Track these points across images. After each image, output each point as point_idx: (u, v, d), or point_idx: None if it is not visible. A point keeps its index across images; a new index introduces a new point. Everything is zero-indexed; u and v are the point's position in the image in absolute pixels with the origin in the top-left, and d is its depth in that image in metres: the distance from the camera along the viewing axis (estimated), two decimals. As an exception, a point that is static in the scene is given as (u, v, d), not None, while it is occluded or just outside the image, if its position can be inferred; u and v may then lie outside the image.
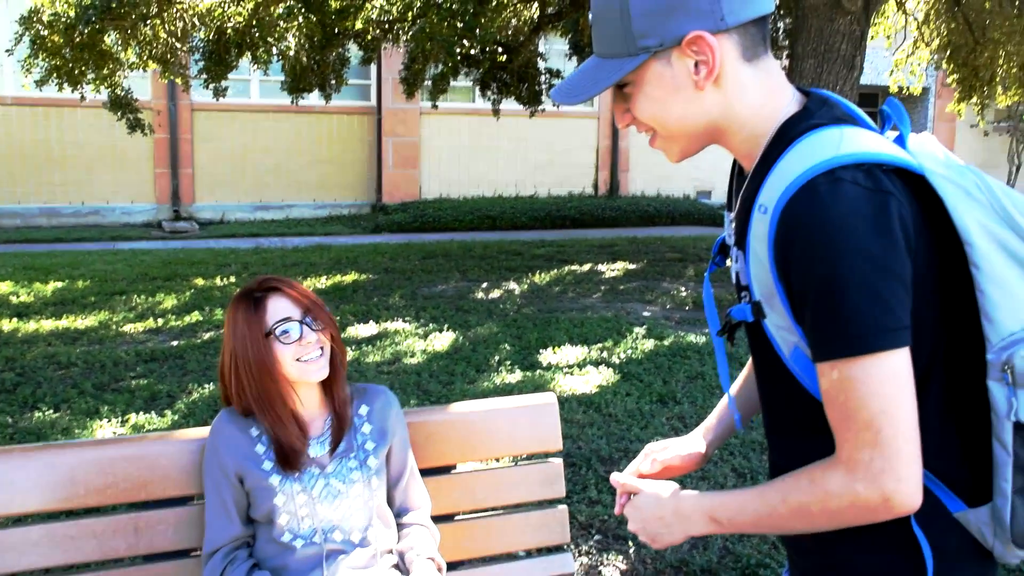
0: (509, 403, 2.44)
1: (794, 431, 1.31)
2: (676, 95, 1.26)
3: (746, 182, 1.29)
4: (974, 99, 11.79)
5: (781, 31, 11.34)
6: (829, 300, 1.12)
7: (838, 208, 1.11)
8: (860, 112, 1.30)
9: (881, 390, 1.12)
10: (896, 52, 13.00)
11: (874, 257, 1.11)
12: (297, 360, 1.95)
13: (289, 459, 1.95)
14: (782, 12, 11.02)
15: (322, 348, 1.98)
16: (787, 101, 1.27)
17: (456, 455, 2.34)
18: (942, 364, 1.21)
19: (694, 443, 1.68)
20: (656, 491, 1.41)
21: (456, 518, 2.32)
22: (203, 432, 2.08)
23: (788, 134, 1.22)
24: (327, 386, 2.05)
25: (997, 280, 1.15)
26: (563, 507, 2.42)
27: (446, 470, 2.33)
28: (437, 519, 2.22)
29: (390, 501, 2.11)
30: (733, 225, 1.34)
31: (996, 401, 1.16)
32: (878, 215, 1.12)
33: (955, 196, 1.16)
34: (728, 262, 1.44)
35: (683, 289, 9.15)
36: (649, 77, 1.26)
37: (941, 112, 18.79)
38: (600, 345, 6.62)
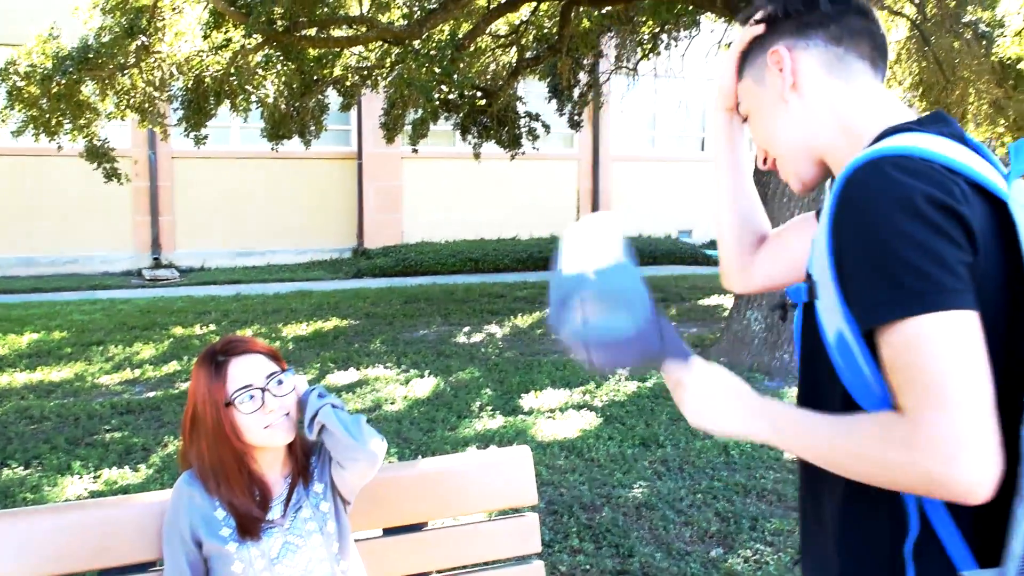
0: (482, 457, 2.40)
1: None
2: (771, 111, 1.35)
3: None
4: (947, 137, 11.92)
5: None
6: (885, 261, 1.08)
7: (900, 178, 1.09)
8: (983, 146, 1.27)
9: (951, 351, 1.04)
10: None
11: (934, 223, 1.07)
12: (264, 428, 1.90)
13: (247, 528, 1.89)
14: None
15: (287, 412, 1.94)
16: (893, 119, 1.26)
17: (428, 512, 2.29)
18: None
19: None
20: (728, 373, 1.30)
21: (427, 577, 2.26)
22: (164, 495, 2.02)
23: (888, 133, 1.23)
24: (290, 445, 2.00)
25: None
26: (539, 562, 2.37)
27: (418, 527, 2.28)
28: (409, 579, 2.16)
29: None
30: None
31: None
32: (943, 193, 1.08)
33: None
34: None
35: (665, 330, 9.13)
36: (753, 101, 1.39)
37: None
38: (582, 388, 6.58)
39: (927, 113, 1.25)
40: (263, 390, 1.90)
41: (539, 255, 15.33)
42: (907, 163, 1.11)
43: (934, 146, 1.15)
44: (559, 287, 1.31)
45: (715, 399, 1.27)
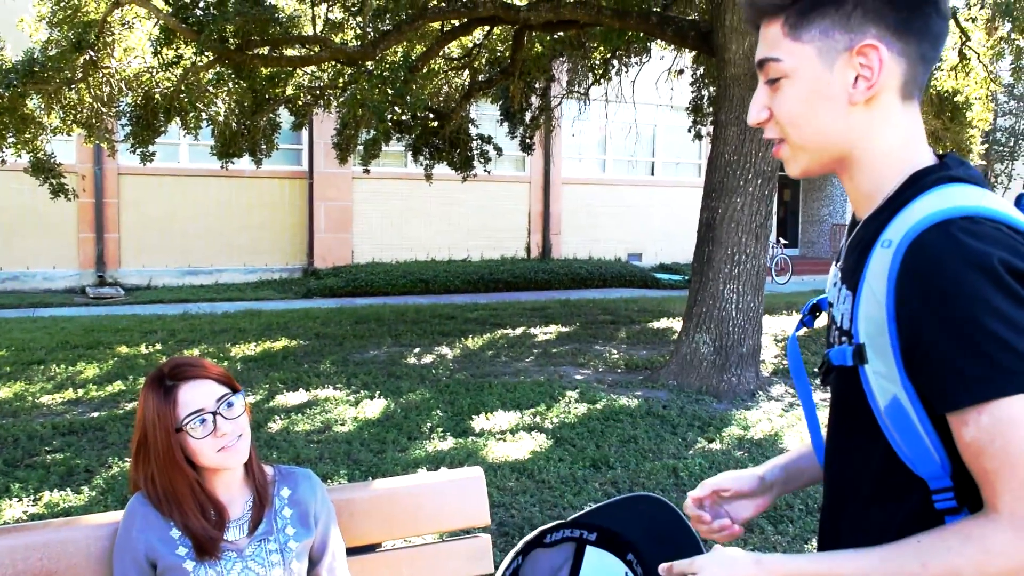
0: (435, 478, 2.40)
1: (868, 496, 1.19)
2: (825, 102, 1.19)
3: (863, 221, 1.22)
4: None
5: (705, 99, 11.68)
6: (974, 337, 1.01)
7: (978, 245, 1.03)
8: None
9: None
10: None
11: (1018, 294, 1.02)
12: (218, 451, 1.89)
13: (205, 548, 1.87)
14: (706, 81, 11.38)
15: (240, 434, 1.92)
16: (923, 154, 1.20)
17: (381, 533, 2.28)
18: None
19: (747, 472, 1.53)
20: (730, 553, 1.18)
21: (382, 598, 2.25)
22: (112, 517, 1.99)
23: (923, 180, 1.15)
24: (247, 466, 1.99)
25: None
26: (491, 583, 2.38)
27: (371, 548, 2.27)
28: (361, 600, 2.15)
29: None
30: (840, 272, 1.25)
31: None
32: (1018, 259, 1.03)
33: None
34: (818, 321, 1.38)
35: (615, 352, 9.21)
36: (807, 74, 1.19)
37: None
38: (533, 410, 6.59)
39: (950, 156, 1.20)
40: (215, 414, 1.89)
41: (490, 277, 15.37)
42: (977, 228, 1.05)
43: (992, 203, 1.09)
44: None
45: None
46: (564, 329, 10.74)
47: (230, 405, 1.91)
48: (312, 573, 2.03)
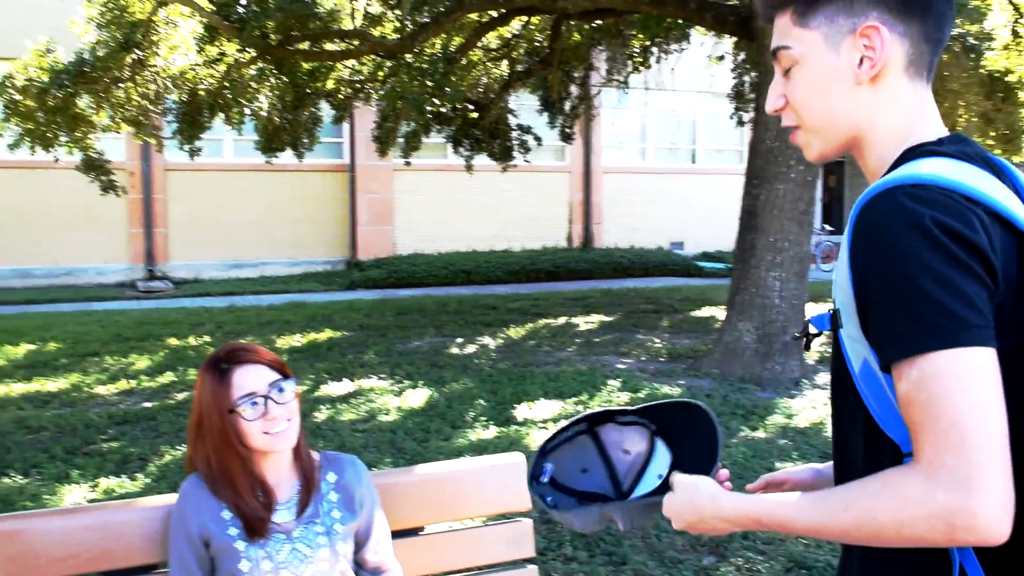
0: (477, 463, 2.45)
1: (859, 462, 1.21)
2: (833, 85, 1.24)
3: None
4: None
5: (747, 85, 11.58)
6: (904, 294, 1.05)
7: (918, 207, 1.06)
8: (1009, 165, 1.25)
9: (970, 387, 1.01)
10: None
11: (954, 255, 1.04)
12: (264, 433, 1.96)
13: (254, 528, 1.94)
14: (747, 66, 11.28)
15: (289, 419, 1.99)
16: (927, 131, 1.23)
17: (425, 516, 2.33)
18: None
19: (804, 465, 1.57)
20: (691, 490, 1.30)
21: (426, 580, 2.31)
22: (167, 499, 2.07)
23: (910, 154, 1.19)
24: (296, 451, 2.06)
25: None
26: (533, 567, 2.42)
27: (414, 532, 2.32)
28: (406, 582, 2.21)
29: (361, 564, 2.10)
30: None
31: None
32: (962, 223, 1.06)
33: None
34: None
35: (658, 341, 9.20)
36: (816, 58, 1.24)
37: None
38: (575, 399, 6.63)
39: (948, 134, 1.23)
40: (266, 397, 1.96)
41: (531, 267, 15.41)
42: (921, 192, 1.08)
43: (953, 173, 1.11)
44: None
45: (694, 509, 1.29)
46: (606, 318, 10.75)
47: (281, 390, 1.98)
48: (358, 555, 2.10)
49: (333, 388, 7.02)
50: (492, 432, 5.78)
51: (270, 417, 1.95)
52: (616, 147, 18.31)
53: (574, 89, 11.65)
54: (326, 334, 9.48)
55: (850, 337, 1.16)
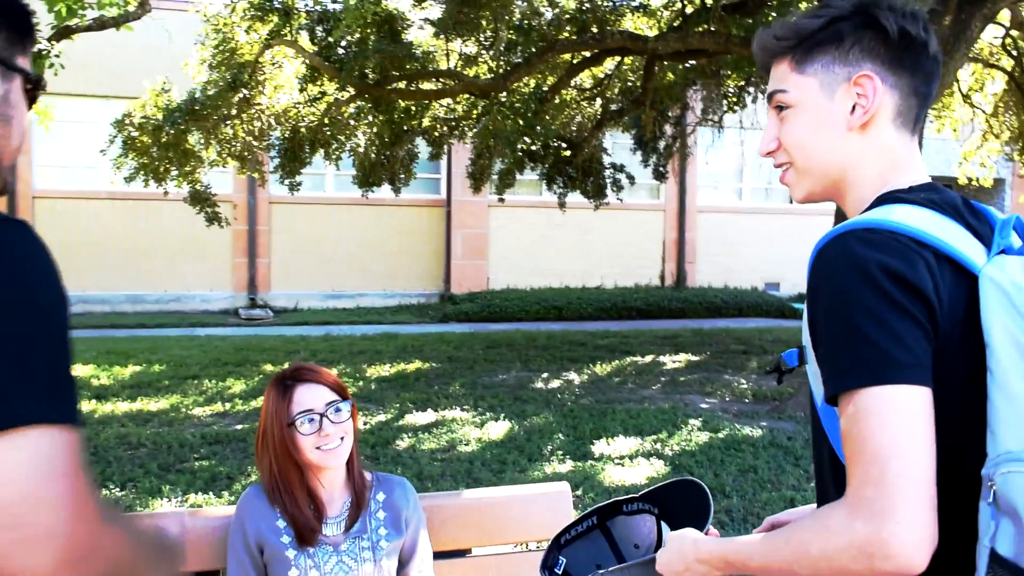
0: (523, 490, 2.54)
1: (828, 487, 1.26)
2: (825, 128, 1.31)
3: None
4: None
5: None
6: (844, 333, 1.11)
7: (865, 251, 1.12)
8: (990, 210, 1.29)
9: (892, 423, 1.06)
10: (964, 144, 12.92)
11: (893, 298, 1.09)
12: (317, 448, 2.09)
13: (304, 536, 2.08)
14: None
15: (343, 437, 2.12)
16: (904, 180, 1.28)
17: (471, 539, 2.42)
18: (950, 468, 1.13)
19: (809, 507, 1.60)
20: (679, 540, 1.39)
21: (471, 602, 2.39)
22: (229, 510, 2.22)
23: (879, 202, 1.25)
24: (349, 470, 2.18)
25: (1008, 393, 1.09)
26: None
27: (461, 553, 2.41)
28: (451, 602, 2.29)
29: None
30: None
31: (981, 522, 1.09)
32: (904, 265, 1.11)
33: (994, 298, 1.12)
34: None
35: (744, 382, 9.08)
36: (811, 103, 1.31)
37: (1017, 204, 18.45)
38: (654, 436, 6.61)
39: (921, 183, 1.28)
40: (322, 416, 2.09)
41: (623, 304, 15.38)
42: (871, 236, 1.14)
43: (907, 218, 1.17)
44: None
45: (681, 556, 1.37)
46: (694, 358, 10.66)
47: (337, 410, 2.12)
48: (401, 572, 2.20)
49: (417, 417, 7.18)
50: (568, 466, 5.82)
51: (324, 434, 2.09)
52: (711, 187, 18.19)
53: (668, 128, 11.68)
54: (415, 365, 9.69)
55: (813, 373, 1.22)
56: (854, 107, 1.29)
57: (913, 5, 1.30)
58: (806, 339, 1.24)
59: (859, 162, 1.31)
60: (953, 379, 1.13)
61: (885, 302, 1.09)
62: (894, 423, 1.06)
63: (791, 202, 18.81)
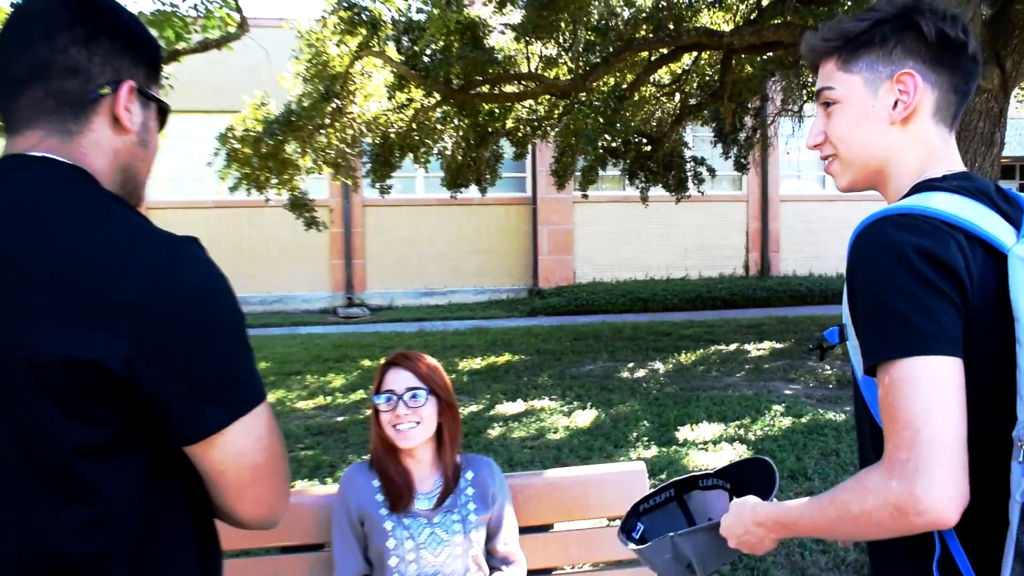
0: (601, 470, 2.77)
1: (869, 453, 1.36)
2: (870, 122, 1.40)
3: None
4: None
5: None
6: (879, 311, 1.20)
7: (900, 235, 1.22)
8: (1019, 196, 1.38)
9: (923, 392, 1.15)
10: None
11: (925, 277, 1.19)
12: (393, 427, 2.37)
13: (395, 503, 2.35)
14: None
15: (418, 421, 2.37)
16: (940, 170, 1.38)
17: (554, 515, 2.64)
18: (983, 433, 1.22)
19: None
20: (739, 506, 1.51)
21: (553, 573, 2.63)
22: (332, 488, 2.52)
23: (915, 190, 1.35)
24: (439, 452, 2.47)
25: None
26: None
27: (545, 528, 2.66)
28: (536, 573, 2.54)
29: (492, 553, 2.48)
30: None
31: (1013, 479, 1.18)
32: (935, 246, 1.21)
33: (1022, 275, 1.22)
34: None
35: (828, 368, 9.13)
36: (855, 99, 1.41)
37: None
38: (737, 423, 6.77)
39: (955, 172, 1.38)
40: (399, 398, 2.37)
41: (707, 295, 15.43)
42: (904, 220, 1.24)
43: (940, 203, 1.26)
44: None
45: (740, 520, 1.51)
46: (778, 345, 10.72)
47: (414, 396, 2.36)
48: (489, 545, 2.46)
49: (507, 407, 7.49)
50: (653, 451, 6.03)
51: (397, 414, 2.35)
52: (794, 176, 18.01)
53: (748, 120, 11.71)
54: (505, 357, 10.01)
55: (853, 348, 1.33)
56: (896, 102, 1.39)
57: (953, 9, 1.44)
58: (846, 318, 1.34)
59: (899, 154, 1.41)
60: (985, 350, 1.22)
61: (917, 281, 1.19)
62: (926, 391, 1.15)
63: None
